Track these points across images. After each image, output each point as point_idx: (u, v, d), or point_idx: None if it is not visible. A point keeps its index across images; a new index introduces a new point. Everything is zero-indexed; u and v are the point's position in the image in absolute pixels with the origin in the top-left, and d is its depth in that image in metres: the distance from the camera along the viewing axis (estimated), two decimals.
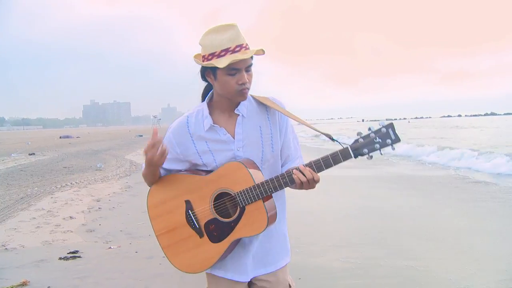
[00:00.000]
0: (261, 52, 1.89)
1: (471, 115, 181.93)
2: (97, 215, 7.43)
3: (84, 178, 12.03)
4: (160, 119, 78.60)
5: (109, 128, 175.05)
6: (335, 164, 1.79)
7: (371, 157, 1.78)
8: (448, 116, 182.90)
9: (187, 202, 1.94)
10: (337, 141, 1.87)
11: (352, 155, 1.78)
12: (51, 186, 10.47)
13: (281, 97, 2.02)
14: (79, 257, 5.22)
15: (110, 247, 5.62)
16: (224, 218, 1.88)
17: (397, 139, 1.76)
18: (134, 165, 15.29)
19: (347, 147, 1.78)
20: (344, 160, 1.78)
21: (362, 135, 1.78)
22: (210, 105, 2.00)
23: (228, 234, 1.86)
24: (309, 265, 4.80)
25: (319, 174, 1.81)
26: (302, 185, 1.80)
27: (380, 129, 1.77)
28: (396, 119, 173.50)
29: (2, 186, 10.62)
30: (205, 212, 1.91)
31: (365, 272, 4.58)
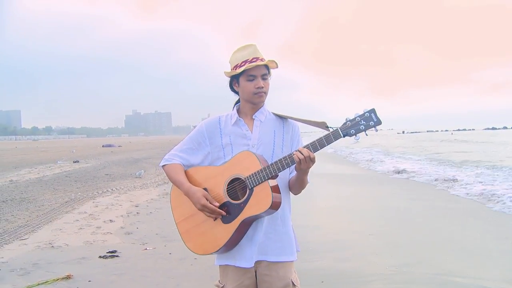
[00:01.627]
0: (274, 64, 2.33)
1: None
2: (135, 219, 7.86)
3: (124, 185, 12.58)
4: None
5: (150, 138, 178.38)
6: (328, 144, 2.13)
7: (358, 137, 2.12)
8: (493, 128, 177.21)
9: (204, 190, 2.29)
10: (330, 127, 2.18)
11: (341, 135, 2.11)
12: (93, 192, 11.04)
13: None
14: (117, 256, 5.62)
15: (146, 248, 6.01)
16: (235, 200, 2.22)
17: (378, 122, 2.10)
18: None
19: (337, 129, 2.12)
20: (335, 140, 2.12)
21: (350, 119, 2.12)
22: (238, 111, 2.42)
23: (238, 215, 2.19)
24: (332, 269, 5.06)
25: (314, 153, 2.15)
26: (300, 163, 2.13)
27: (364, 114, 2.11)
28: (437, 131, 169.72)
29: (49, 191, 11.28)
30: (219, 196, 2.25)
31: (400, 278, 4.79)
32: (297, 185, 2.34)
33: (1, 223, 7.33)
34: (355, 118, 2.12)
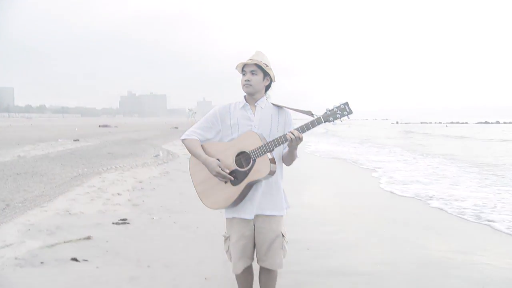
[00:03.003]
0: (262, 63, 3.10)
1: (510, 122, 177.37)
2: (140, 194, 8.60)
3: (126, 163, 13.29)
4: (195, 112, 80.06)
5: (144, 120, 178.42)
6: (313, 127, 2.93)
7: (335, 123, 2.92)
8: (486, 122, 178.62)
9: (218, 160, 3.05)
10: (315, 115, 2.95)
11: (323, 121, 2.92)
12: (99, 168, 11.76)
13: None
14: (128, 223, 6.37)
15: (153, 218, 6.76)
16: (242, 168, 2.98)
17: (350, 112, 2.92)
18: (171, 154, 16.52)
19: (320, 116, 2.92)
20: (318, 124, 2.93)
21: (329, 109, 2.93)
22: (245, 99, 3.20)
23: (243, 179, 2.96)
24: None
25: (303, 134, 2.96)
26: (292, 141, 2.91)
27: (340, 105, 2.91)
28: (431, 123, 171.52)
29: (57, 166, 11.98)
30: (228, 165, 3.02)
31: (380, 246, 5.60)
32: (288, 158, 3.11)
33: (20, 193, 8.06)
34: (333, 108, 2.90)
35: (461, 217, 7.25)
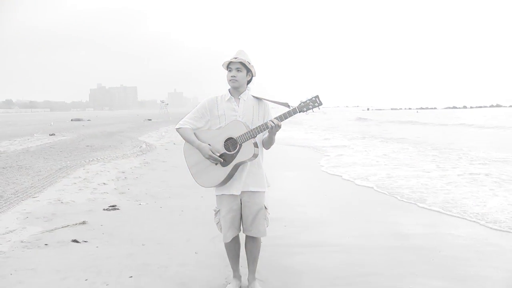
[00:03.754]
0: (245, 61, 3.67)
1: (476, 107, 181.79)
2: (124, 183, 9.07)
3: (106, 155, 13.66)
4: (167, 104, 79.89)
5: (116, 112, 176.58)
6: (289, 117, 3.52)
7: (308, 113, 3.51)
8: (454, 107, 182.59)
9: (209, 145, 3.60)
10: (291, 106, 3.53)
11: (298, 111, 3.50)
12: (81, 161, 12.12)
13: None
14: (118, 209, 6.86)
15: (140, 204, 7.27)
16: (230, 152, 3.54)
17: (321, 103, 3.52)
18: (148, 146, 16.92)
19: (295, 107, 3.51)
20: (294, 114, 3.52)
21: (303, 101, 3.51)
22: (230, 92, 3.74)
23: (231, 161, 3.53)
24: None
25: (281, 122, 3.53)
26: (272, 129, 3.48)
27: (312, 98, 3.50)
28: (401, 109, 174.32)
29: (40, 159, 12.30)
30: (219, 149, 3.58)
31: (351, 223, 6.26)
32: (268, 143, 3.68)
33: (10, 185, 8.43)
34: (306, 100, 3.49)
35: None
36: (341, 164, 12.19)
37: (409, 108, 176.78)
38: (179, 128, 3.76)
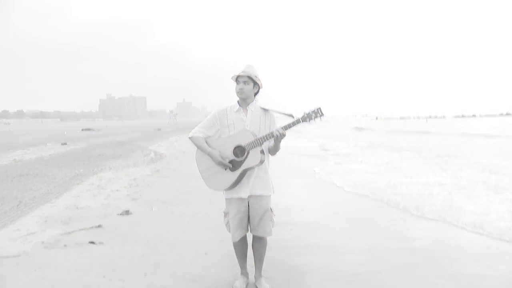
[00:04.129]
0: (252, 75, 3.98)
1: (486, 115, 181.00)
2: (136, 189, 9.40)
3: (118, 163, 14.03)
4: (176, 114, 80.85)
5: (125, 122, 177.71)
6: (293, 126, 3.82)
7: (311, 123, 3.78)
8: (462, 116, 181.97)
9: (219, 152, 3.91)
10: (295, 117, 3.82)
11: (301, 121, 3.78)
12: (94, 169, 12.51)
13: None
14: (131, 214, 7.18)
15: (152, 209, 7.59)
16: (238, 158, 3.85)
17: (322, 114, 3.79)
18: (159, 155, 17.29)
19: (299, 118, 3.79)
20: (297, 124, 3.80)
21: (306, 113, 3.79)
22: (238, 103, 4.05)
23: (240, 167, 3.84)
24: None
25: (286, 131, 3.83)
26: (277, 137, 3.79)
27: (314, 110, 3.78)
28: (410, 118, 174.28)
29: (55, 168, 12.70)
30: (228, 156, 3.89)
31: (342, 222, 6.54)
32: (274, 150, 3.99)
33: (28, 192, 8.81)
34: (309, 112, 3.79)
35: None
36: (339, 171, 12.47)
37: (418, 117, 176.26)
38: (191, 136, 4.07)
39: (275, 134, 3.79)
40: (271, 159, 4.15)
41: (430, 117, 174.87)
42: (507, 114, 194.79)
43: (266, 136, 3.81)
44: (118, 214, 7.13)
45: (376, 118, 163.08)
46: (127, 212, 7.26)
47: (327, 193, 9.47)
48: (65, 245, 5.44)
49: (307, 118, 3.78)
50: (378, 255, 5.22)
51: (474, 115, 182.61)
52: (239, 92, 3.97)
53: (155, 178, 11.07)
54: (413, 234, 6.10)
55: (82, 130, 52.05)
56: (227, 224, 4.18)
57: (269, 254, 4.52)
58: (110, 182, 10.26)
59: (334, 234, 6.17)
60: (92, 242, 5.57)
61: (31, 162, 14.19)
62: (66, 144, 23.75)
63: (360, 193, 9.22)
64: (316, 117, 3.79)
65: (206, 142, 4.02)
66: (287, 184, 10.26)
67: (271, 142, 3.97)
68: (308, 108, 3.83)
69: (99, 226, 6.37)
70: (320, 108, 3.80)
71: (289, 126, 3.82)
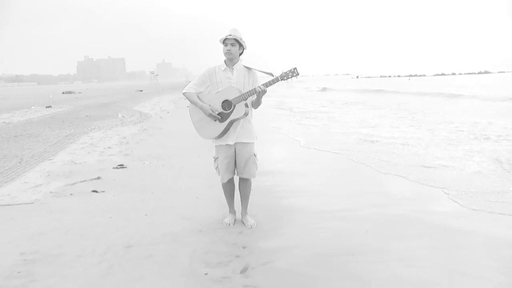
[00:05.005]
0: (238, 38, 4.57)
1: (465, 73, 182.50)
2: (127, 146, 10.02)
3: (105, 123, 14.56)
4: (157, 74, 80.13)
5: (105, 84, 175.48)
6: (273, 83, 4.44)
7: (287, 81, 4.43)
8: (442, 74, 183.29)
9: (209, 105, 4.55)
10: (274, 75, 4.46)
11: (280, 79, 4.40)
12: (83, 129, 13.04)
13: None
14: (125, 167, 7.83)
15: (144, 163, 8.23)
16: (226, 111, 4.50)
17: (298, 74, 4.43)
18: (144, 115, 17.82)
19: (277, 77, 4.41)
20: (277, 82, 4.43)
21: (284, 72, 4.42)
22: (225, 63, 4.64)
23: (227, 118, 4.49)
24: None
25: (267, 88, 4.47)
26: (259, 93, 4.43)
27: (291, 69, 4.41)
28: (390, 76, 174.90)
29: (46, 128, 13.20)
30: (217, 109, 4.53)
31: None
32: (256, 103, 4.63)
33: (25, 151, 9.38)
34: (287, 71, 4.42)
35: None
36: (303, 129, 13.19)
37: (398, 76, 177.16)
38: (185, 92, 4.69)
39: (257, 90, 4.42)
40: (254, 112, 4.80)
41: (411, 75, 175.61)
42: (486, 71, 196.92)
43: (249, 92, 4.44)
44: (113, 168, 7.76)
45: (357, 77, 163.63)
46: (121, 166, 7.90)
47: (296, 148, 10.18)
48: (71, 194, 6.10)
49: (284, 76, 4.41)
50: (354, 199, 5.92)
51: (453, 73, 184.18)
52: (227, 53, 4.56)
53: (143, 136, 11.67)
54: (387, 180, 6.89)
55: (63, 93, 51.73)
56: (216, 168, 4.86)
57: (254, 198, 5.23)
58: (101, 140, 10.84)
59: (312, 181, 6.91)
60: (95, 191, 6.23)
61: (22, 124, 14.64)
62: (50, 107, 24.02)
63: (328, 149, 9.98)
64: (292, 76, 4.42)
65: (198, 97, 4.64)
66: (260, 140, 10.96)
67: (254, 97, 4.60)
68: (286, 68, 4.46)
69: (98, 178, 7.02)
70: (296, 68, 4.43)
71: (269, 84, 4.44)
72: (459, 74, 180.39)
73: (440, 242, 4.37)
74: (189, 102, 4.74)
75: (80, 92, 52.77)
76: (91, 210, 5.42)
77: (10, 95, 54.06)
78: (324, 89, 52.32)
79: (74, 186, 6.50)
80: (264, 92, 4.45)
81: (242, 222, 4.94)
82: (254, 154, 4.78)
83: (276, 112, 19.25)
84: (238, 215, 5.07)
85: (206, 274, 3.67)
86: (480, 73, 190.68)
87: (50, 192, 6.16)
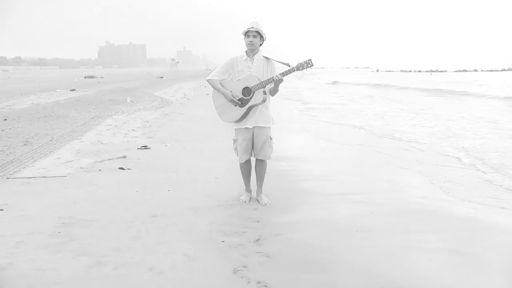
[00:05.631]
0: (260, 30, 4.96)
1: (487, 70, 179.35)
2: (150, 129, 10.52)
3: (129, 107, 15.07)
4: (178, 62, 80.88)
5: (125, 70, 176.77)
6: (290, 73, 4.83)
7: (304, 72, 4.83)
8: (464, 70, 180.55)
9: (231, 92, 4.97)
10: (289, 65, 4.87)
11: (296, 70, 4.81)
12: (108, 112, 13.59)
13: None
14: (149, 148, 8.31)
15: (166, 145, 8.72)
16: (246, 97, 4.92)
17: (312, 65, 4.83)
18: (165, 100, 18.35)
19: (294, 67, 4.81)
20: (293, 72, 4.83)
21: (300, 63, 4.82)
22: (246, 53, 5.04)
23: (247, 103, 4.91)
24: None
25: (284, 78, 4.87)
26: (277, 82, 4.83)
27: (306, 61, 4.81)
28: (410, 71, 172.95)
29: (72, 110, 13.79)
30: (238, 95, 4.95)
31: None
32: (274, 91, 5.04)
33: (55, 130, 9.94)
34: (302, 62, 4.82)
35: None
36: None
37: (419, 71, 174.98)
38: (209, 79, 5.12)
39: (275, 79, 4.82)
40: (271, 99, 5.21)
41: (432, 70, 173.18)
42: (509, 69, 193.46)
43: (268, 80, 4.84)
44: (138, 149, 8.25)
45: (377, 71, 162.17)
46: (145, 147, 8.39)
47: (309, 138, 10.58)
48: (100, 170, 6.60)
49: (300, 67, 4.81)
50: (367, 184, 6.29)
51: (475, 70, 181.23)
52: (249, 44, 4.96)
53: (165, 121, 12.17)
54: (400, 171, 7.26)
55: (85, 77, 52.66)
56: (235, 149, 5.29)
57: (269, 179, 5.67)
58: (125, 123, 11.36)
59: (325, 167, 7.31)
60: (122, 168, 6.72)
61: (49, 106, 15.25)
62: (75, 90, 24.69)
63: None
64: (307, 66, 4.81)
65: (221, 84, 5.06)
66: (275, 128, 11.37)
67: (272, 85, 5.01)
68: (302, 59, 4.86)
69: (124, 157, 7.51)
70: (310, 60, 4.82)
71: (286, 73, 4.84)
72: (481, 70, 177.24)
73: (449, 233, 4.68)
74: (211, 89, 5.17)
75: (102, 77, 53.61)
76: (119, 183, 5.90)
77: (34, 78, 55.14)
78: (335, 82, 52.40)
79: (102, 163, 7.00)
80: (281, 80, 4.84)
81: (257, 200, 5.36)
82: (270, 138, 5.19)
83: (288, 104, 19.61)
84: (254, 194, 5.49)
85: (223, 241, 4.10)
86: (503, 70, 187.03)
87: (81, 168, 6.67)
